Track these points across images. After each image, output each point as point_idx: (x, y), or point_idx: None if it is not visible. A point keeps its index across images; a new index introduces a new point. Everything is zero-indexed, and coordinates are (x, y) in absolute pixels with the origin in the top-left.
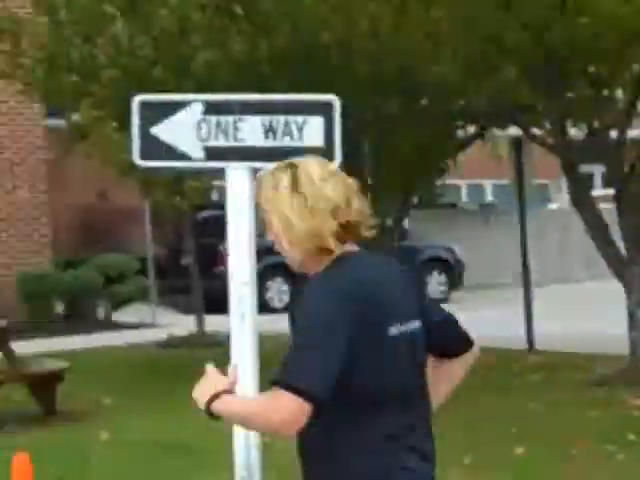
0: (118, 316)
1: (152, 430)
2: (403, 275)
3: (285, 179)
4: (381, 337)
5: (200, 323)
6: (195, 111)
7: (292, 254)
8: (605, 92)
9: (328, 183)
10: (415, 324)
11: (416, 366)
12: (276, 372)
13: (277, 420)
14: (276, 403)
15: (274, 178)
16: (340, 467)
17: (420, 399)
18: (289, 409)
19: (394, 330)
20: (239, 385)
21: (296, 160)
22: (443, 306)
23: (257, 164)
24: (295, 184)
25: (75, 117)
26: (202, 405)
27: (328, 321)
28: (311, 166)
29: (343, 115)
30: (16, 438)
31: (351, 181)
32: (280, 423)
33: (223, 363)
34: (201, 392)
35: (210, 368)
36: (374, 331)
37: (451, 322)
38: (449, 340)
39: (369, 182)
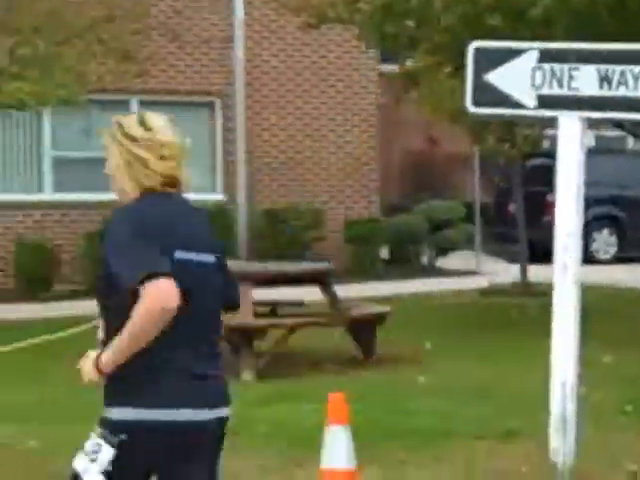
0: (442, 262)
1: (469, 375)
2: (200, 216)
3: (133, 125)
4: (170, 259)
5: (524, 272)
6: (530, 59)
7: (121, 189)
8: None
9: (159, 134)
10: (209, 257)
11: (207, 291)
12: (129, 277)
13: (158, 305)
14: (145, 299)
15: (123, 123)
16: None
17: (208, 321)
18: (159, 290)
19: (180, 255)
20: None
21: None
22: None
23: (590, 113)
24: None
25: (409, 63)
26: (90, 372)
27: (136, 229)
28: (153, 118)
29: None
30: (335, 378)
31: (169, 139)
32: (162, 304)
33: (544, 312)
34: (87, 367)
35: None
36: (165, 253)
37: (230, 277)
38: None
39: None
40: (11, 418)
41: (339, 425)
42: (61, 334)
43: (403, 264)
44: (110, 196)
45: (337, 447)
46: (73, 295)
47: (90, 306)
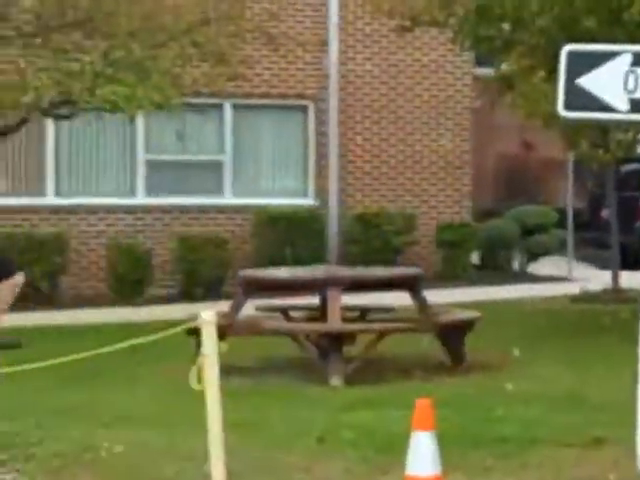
0: (533, 268)
1: (557, 382)
2: None
3: None
4: None
5: (615, 278)
6: (623, 62)
7: None
8: None
9: None
10: None
11: None
12: None
13: None
14: None
15: None
16: None
17: None
18: None
19: None
20: None
21: None
22: None
23: None
24: None
25: (503, 66)
26: None
27: None
28: None
29: None
30: (422, 384)
31: None
32: None
33: (635, 319)
34: None
35: None
36: None
37: None
38: None
39: None
40: (99, 421)
41: (425, 431)
42: (149, 339)
43: (494, 269)
44: (205, 200)
45: (422, 453)
46: (166, 299)
47: (182, 309)
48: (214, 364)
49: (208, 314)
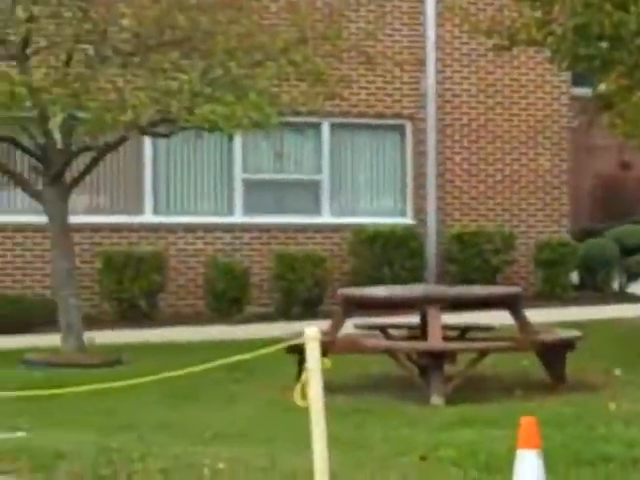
0: (633, 288)
1: None
2: None
3: None
4: None
5: None
6: None
7: None
8: None
9: None
10: None
11: None
12: None
13: None
14: None
15: None
16: None
17: None
18: None
19: None
20: None
21: None
22: None
23: None
24: None
25: (602, 86)
26: None
27: None
28: None
29: None
30: (523, 403)
31: None
32: None
33: None
34: None
35: None
36: None
37: None
38: None
39: None
40: (199, 437)
41: (531, 449)
42: (251, 355)
43: (594, 289)
44: (302, 219)
45: (529, 472)
46: (263, 317)
47: (280, 328)
48: (318, 380)
49: (312, 330)
